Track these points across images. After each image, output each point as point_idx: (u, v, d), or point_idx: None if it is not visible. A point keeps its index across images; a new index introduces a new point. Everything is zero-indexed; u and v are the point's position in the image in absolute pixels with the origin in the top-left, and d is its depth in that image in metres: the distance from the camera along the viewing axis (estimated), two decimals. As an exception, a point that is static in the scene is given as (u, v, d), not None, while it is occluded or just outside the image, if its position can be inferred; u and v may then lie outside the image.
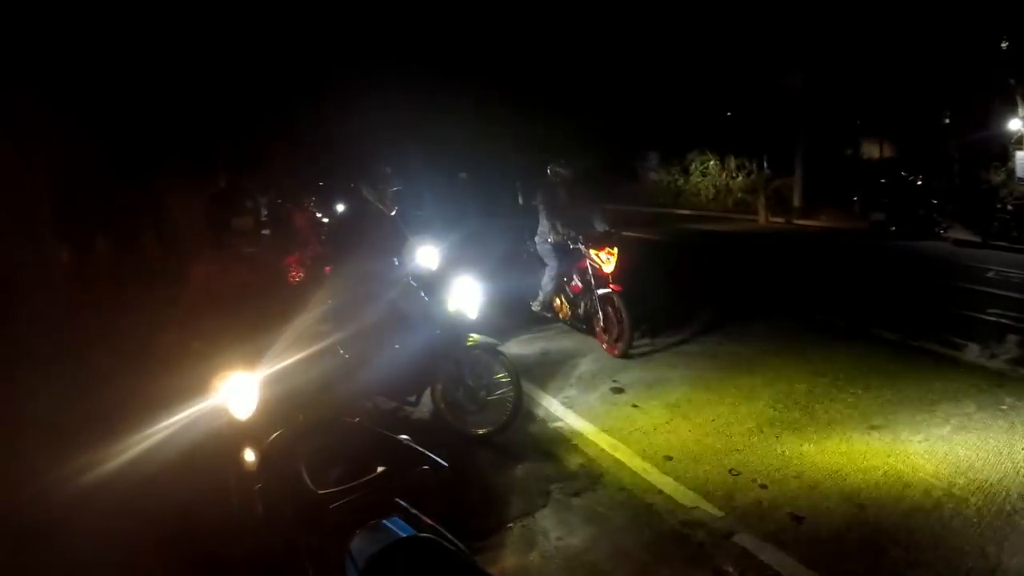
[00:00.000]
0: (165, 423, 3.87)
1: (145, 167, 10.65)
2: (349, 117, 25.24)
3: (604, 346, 7.51)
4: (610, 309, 7.38)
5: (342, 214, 8.75)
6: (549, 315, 8.49)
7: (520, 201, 30.50)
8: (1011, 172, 19.11)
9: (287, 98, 20.77)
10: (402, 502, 2.48)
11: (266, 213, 7.64)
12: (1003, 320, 8.49)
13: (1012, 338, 7.61)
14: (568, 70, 28.57)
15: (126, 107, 9.93)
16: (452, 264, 6.15)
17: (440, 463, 2.55)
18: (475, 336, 5.29)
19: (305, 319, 3.93)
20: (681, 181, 29.96)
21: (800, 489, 4.41)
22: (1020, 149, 19.36)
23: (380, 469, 2.46)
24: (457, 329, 5.30)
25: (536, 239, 8.36)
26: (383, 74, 25.34)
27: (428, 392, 5.46)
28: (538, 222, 8.22)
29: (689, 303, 9.72)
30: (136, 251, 10.30)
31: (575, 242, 7.70)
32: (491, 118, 29.01)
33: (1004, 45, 19.04)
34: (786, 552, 3.72)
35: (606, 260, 7.43)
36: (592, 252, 7.51)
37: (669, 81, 27.18)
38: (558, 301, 8.38)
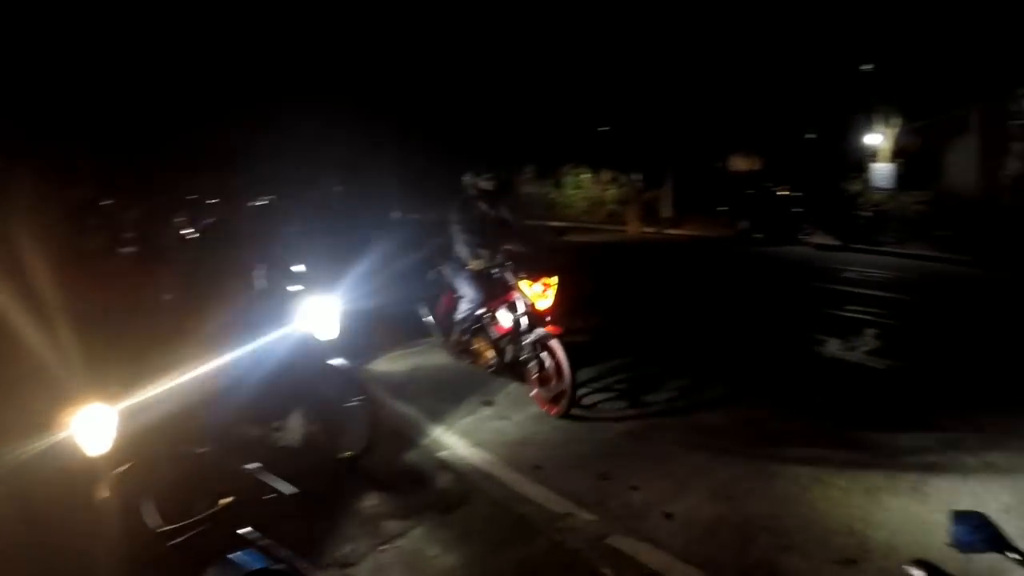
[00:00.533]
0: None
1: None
2: (223, 130, 24.48)
3: (538, 402, 6.03)
4: (547, 356, 5.93)
5: (206, 231, 7.91)
6: (466, 361, 7.08)
7: (397, 215, 30.44)
8: (867, 182, 20.80)
9: (159, 107, 19.99)
10: (252, 533, 2.34)
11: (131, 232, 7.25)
12: (860, 315, 8.99)
13: (869, 331, 8.07)
14: (446, 85, 28.78)
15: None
16: (317, 281, 5.97)
17: (287, 490, 2.42)
18: (334, 357, 5.14)
19: (167, 342, 3.71)
20: (555, 194, 30.53)
21: (670, 488, 4.49)
22: (876, 161, 21.49)
23: (224, 500, 2.32)
24: (318, 350, 5.13)
25: (448, 265, 6.96)
26: (257, 89, 24.79)
27: (294, 415, 5.27)
28: (451, 243, 6.80)
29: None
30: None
31: (502, 270, 6.34)
32: (369, 133, 28.84)
33: (866, 68, 20.73)
34: (661, 549, 3.77)
35: (540, 294, 6.11)
36: (523, 284, 6.13)
37: (545, 96, 27.70)
38: (477, 343, 6.94)
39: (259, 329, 5.07)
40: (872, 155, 21.57)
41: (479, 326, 6.84)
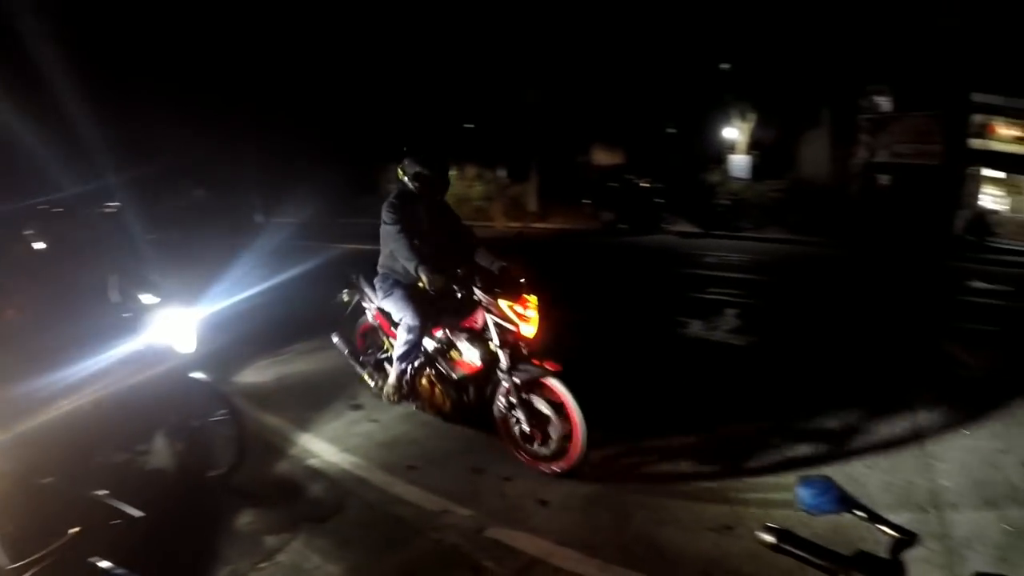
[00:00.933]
0: None
1: None
2: (72, 135, 22.86)
3: (525, 461, 4.71)
4: (538, 400, 4.62)
5: (51, 243, 6.98)
6: (414, 405, 5.45)
7: (260, 219, 29.48)
8: (726, 173, 22.09)
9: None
10: (102, 563, 2.20)
11: None
12: (721, 297, 9.39)
13: (729, 312, 8.43)
14: (310, 85, 28.01)
15: None
16: (174, 291, 5.67)
17: (135, 514, 2.28)
18: (193, 372, 4.89)
19: (14, 371, 3.43)
20: (421, 192, 30.39)
21: (542, 477, 4.57)
22: (733, 153, 23.23)
23: (72, 531, 2.17)
24: (178, 365, 4.87)
25: (377, 279, 5.41)
26: (106, 87, 23.30)
27: (160, 436, 4.99)
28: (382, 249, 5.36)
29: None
30: None
31: (463, 286, 4.84)
32: (233, 135, 27.76)
33: (724, 67, 22.07)
34: (539, 536, 3.83)
35: (525, 317, 4.60)
36: (502, 303, 4.66)
37: (410, 94, 27.45)
38: (424, 382, 5.26)
39: (113, 346, 4.78)
40: (730, 147, 23.07)
41: (426, 361, 5.24)
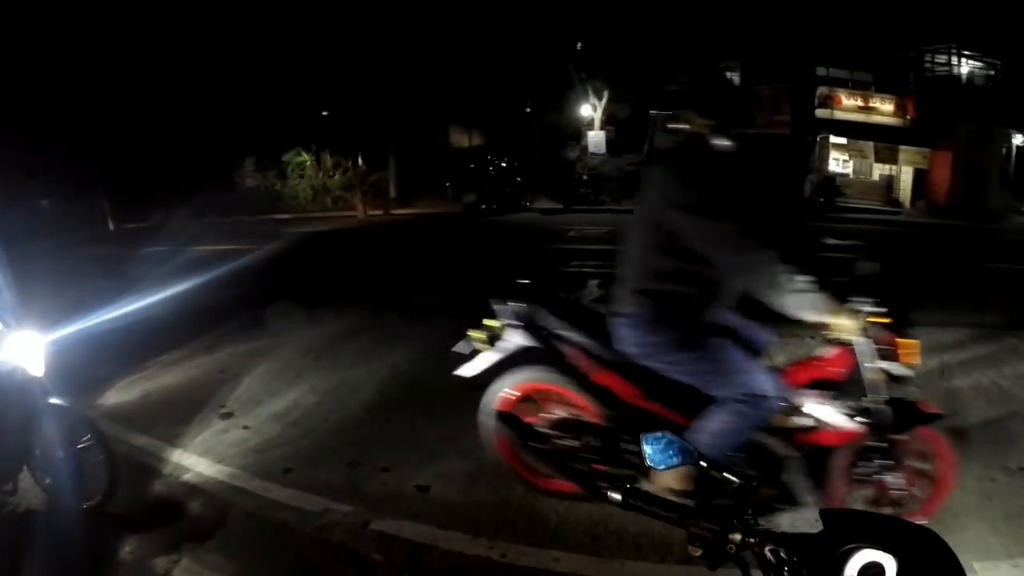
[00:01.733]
0: None
1: None
2: None
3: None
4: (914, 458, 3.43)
5: None
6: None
7: (110, 226, 27.89)
8: (584, 148, 22.64)
9: None
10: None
11: None
12: (584, 269, 9.68)
13: (592, 283, 8.70)
14: (154, 73, 26.42)
15: None
16: (18, 312, 5.33)
17: None
18: (51, 399, 4.63)
19: None
20: (279, 185, 29.45)
21: (419, 461, 4.63)
22: (592, 129, 24.16)
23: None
24: (29, 394, 4.58)
25: (633, 316, 3.33)
26: None
27: (24, 474, 4.69)
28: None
29: (293, 306, 9.57)
30: None
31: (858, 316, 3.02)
32: (70, 137, 25.98)
33: (578, 46, 22.45)
34: (423, 522, 3.87)
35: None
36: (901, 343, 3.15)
37: (261, 85, 26.44)
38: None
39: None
40: (587, 124, 23.63)
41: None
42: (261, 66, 25.42)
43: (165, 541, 4.12)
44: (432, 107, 25.95)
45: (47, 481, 4.55)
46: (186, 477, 4.94)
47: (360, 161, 25.01)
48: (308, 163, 28.27)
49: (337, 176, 27.41)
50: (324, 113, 27.31)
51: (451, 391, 5.69)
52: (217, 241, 19.53)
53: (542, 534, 3.72)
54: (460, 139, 29.93)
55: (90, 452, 4.56)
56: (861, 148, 23.93)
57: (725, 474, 1.51)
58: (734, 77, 21.65)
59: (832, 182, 22.18)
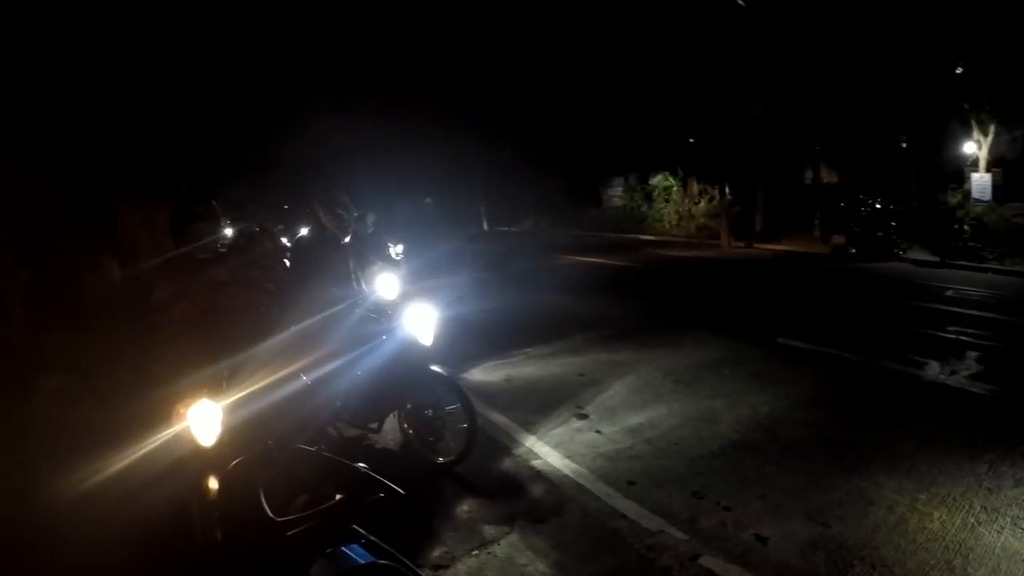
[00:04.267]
0: (129, 450, 3.77)
1: (99, 187, 10.30)
2: (316, 142, 25.26)
3: None
4: None
5: (301, 239, 7.78)
6: None
7: (485, 227, 30.75)
8: (967, 193, 19.70)
9: (253, 121, 20.70)
10: (360, 529, 2.45)
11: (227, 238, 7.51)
12: (962, 337, 8.66)
13: (971, 355, 7.76)
14: (534, 95, 28.76)
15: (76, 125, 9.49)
16: (411, 291, 6.13)
17: (397, 490, 2.51)
18: (431, 365, 5.26)
19: (268, 345, 3.90)
20: (644, 207, 30.19)
21: (764, 510, 4.43)
22: (975, 171, 20.06)
23: (338, 497, 2.43)
24: (415, 356, 5.25)
25: None
26: (348, 99, 25.39)
27: (390, 419, 5.47)
28: None
29: (655, 326, 9.73)
30: (94, 275, 9.97)
31: None
32: (457, 144, 29.17)
33: (959, 71, 19.53)
34: (752, 572, 3.72)
35: None
36: None
37: (634, 107, 27.34)
38: None
39: (359, 333, 5.25)
40: (972, 164, 20.38)
41: None
42: (635, 90, 26.15)
43: (500, 513, 4.48)
44: (802, 139, 24.70)
45: (410, 432, 5.24)
46: (534, 463, 5.32)
47: (727, 191, 24.59)
48: (675, 188, 28.59)
49: (703, 203, 27.34)
50: (691, 140, 27.39)
51: (812, 444, 5.51)
52: (579, 252, 20.71)
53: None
54: (830, 175, 28.26)
55: (454, 417, 5.15)
56: None
57: None
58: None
59: None
